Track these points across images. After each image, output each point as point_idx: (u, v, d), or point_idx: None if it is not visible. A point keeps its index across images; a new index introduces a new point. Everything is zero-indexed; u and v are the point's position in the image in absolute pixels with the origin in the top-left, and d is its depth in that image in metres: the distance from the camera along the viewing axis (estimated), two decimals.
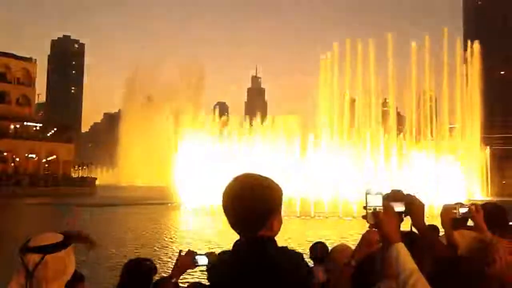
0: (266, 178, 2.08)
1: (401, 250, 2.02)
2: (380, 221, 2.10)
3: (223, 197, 2.05)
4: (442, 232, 4.48)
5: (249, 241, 2.01)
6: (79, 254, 2.64)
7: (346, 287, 3.13)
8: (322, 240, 6.03)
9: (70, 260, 2.53)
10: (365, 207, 2.13)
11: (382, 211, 2.11)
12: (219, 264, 2.10)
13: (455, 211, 4.66)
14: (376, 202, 2.13)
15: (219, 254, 2.18)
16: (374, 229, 2.54)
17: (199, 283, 3.76)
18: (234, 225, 2.04)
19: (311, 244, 5.76)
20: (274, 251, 1.99)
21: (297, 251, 2.07)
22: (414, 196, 2.27)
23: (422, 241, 2.18)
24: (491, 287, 2.16)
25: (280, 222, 2.08)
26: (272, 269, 1.91)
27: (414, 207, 2.23)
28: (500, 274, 2.22)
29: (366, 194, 2.14)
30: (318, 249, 5.44)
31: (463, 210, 3.78)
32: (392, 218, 2.11)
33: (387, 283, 2.14)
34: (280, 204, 2.07)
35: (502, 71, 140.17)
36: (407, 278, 1.94)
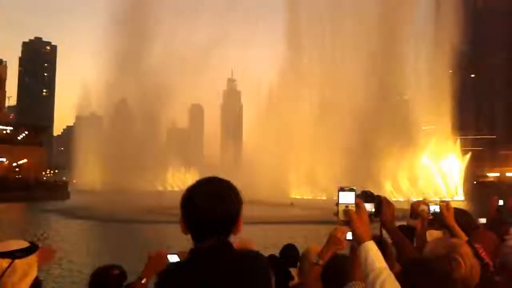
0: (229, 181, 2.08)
1: (371, 249, 2.00)
2: (351, 218, 2.07)
3: (195, 198, 1.97)
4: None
5: (221, 245, 1.95)
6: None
7: (316, 286, 3.11)
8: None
9: (34, 266, 2.57)
10: (336, 204, 2.11)
11: (353, 208, 2.09)
12: (177, 276, 1.95)
13: (426, 211, 4.69)
14: (348, 200, 2.10)
15: (171, 264, 2.13)
16: (343, 227, 2.53)
17: None
18: (208, 226, 1.95)
19: (282, 246, 5.73)
20: (245, 259, 1.98)
21: (256, 252, 2.07)
22: (384, 197, 2.26)
23: (391, 244, 2.16)
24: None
25: (241, 226, 2.06)
26: (249, 275, 1.91)
27: (384, 208, 2.22)
28: (464, 277, 2.22)
29: (339, 191, 2.12)
30: (289, 250, 5.43)
31: (434, 208, 3.79)
32: (363, 216, 2.09)
33: (357, 284, 2.11)
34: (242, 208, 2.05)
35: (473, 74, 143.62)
36: (376, 277, 1.92)
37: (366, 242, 2.03)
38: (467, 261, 2.36)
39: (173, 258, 3.24)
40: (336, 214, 2.12)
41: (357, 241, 2.06)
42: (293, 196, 67.32)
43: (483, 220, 5.16)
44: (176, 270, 2.00)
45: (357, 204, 2.10)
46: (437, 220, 3.75)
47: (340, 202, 2.11)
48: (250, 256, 2.01)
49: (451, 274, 2.16)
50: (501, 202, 5.63)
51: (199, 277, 1.87)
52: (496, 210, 5.49)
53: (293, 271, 4.51)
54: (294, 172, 73.45)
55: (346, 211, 2.09)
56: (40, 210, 46.69)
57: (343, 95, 70.49)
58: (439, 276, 2.13)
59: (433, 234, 4.00)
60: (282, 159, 70.94)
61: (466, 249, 2.43)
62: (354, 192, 2.11)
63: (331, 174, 62.67)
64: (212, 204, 1.96)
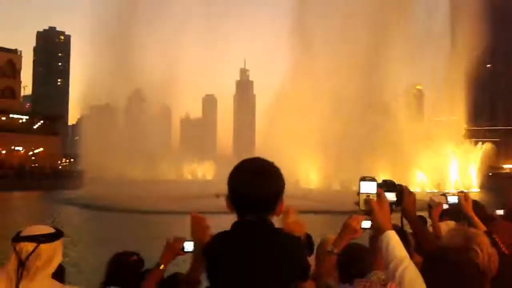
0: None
1: (392, 238, 2.01)
2: (372, 208, 2.07)
3: (239, 177, 2.06)
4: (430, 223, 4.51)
5: (261, 221, 2.03)
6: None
7: (331, 275, 3.11)
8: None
9: (59, 252, 2.63)
10: (358, 193, 2.11)
11: (375, 198, 2.09)
12: (219, 243, 2.09)
13: (443, 202, 4.69)
14: (370, 189, 2.10)
15: (217, 234, 2.15)
16: (358, 215, 2.54)
17: (180, 274, 3.70)
18: (247, 202, 2.04)
19: None
20: (280, 235, 2.07)
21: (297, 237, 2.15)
22: (405, 186, 2.26)
23: (410, 234, 2.16)
24: (476, 279, 2.15)
25: (282, 207, 2.12)
26: (279, 252, 1.98)
27: (405, 197, 2.21)
28: (482, 267, 2.21)
29: (360, 180, 2.12)
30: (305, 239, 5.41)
31: (452, 199, 3.77)
32: (384, 206, 2.09)
33: (377, 273, 2.11)
34: (284, 190, 2.11)
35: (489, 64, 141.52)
36: (396, 265, 1.94)
37: (387, 231, 2.03)
38: (485, 250, 2.35)
39: (190, 246, 3.26)
40: (357, 203, 2.12)
41: (378, 231, 2.06)
42: (305, 186, 67.28)
43: (500, 212, 5.11)
44: (217, 242, 2.10)
45: (378, 194, 2.11)
46: (456, 211, 3.74)
47: (361, 191, 2.11)
48: (286, 237, 2.07)
49: (469, 264, 2.16)
50: None
51: (237, 249, 2.00)
52: None
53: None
54: (307, 162, 73.33)
55: (367, 201, 2.10)
56: (55, 200, 47.03)
57: (355, 87, 70.01)
58: (457, 266, 2.13)
59: (449, 225, 4.00)
60: (295, 150, 70.81)
61: (484, 239, 2.43)
62: (375, 182, 2.12)
63: (345, 165, 62.47)
64: (253, 181, 2.02)
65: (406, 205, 2.22)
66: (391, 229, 2.05)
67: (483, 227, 3.54)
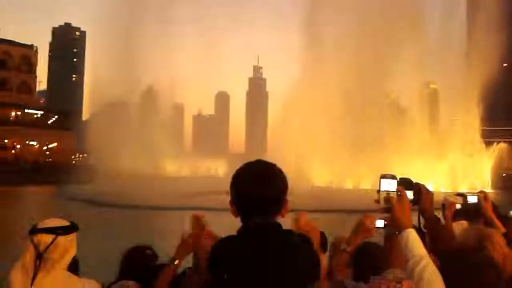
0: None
1: (412, 236, 2.00)
2: (393, 205, 2.06)
3: (244, 179, 2.06)
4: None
5: (271, 224, 2.02)
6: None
7: (344, 272, 3.11)
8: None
9: (74, 245, 2.70)
10: (378, 191, 2.11)
11: (395, 196, 2.08)
12: (228, 248, 2.05)
13: (458, 202, 4.66)
14: (390, 187, 2.10)
15: (223, 239, 2.12)
16: (372, 214, 2.53)
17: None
18: (255, 206, 2.02)
19: None
20: (292, 236, 2.04)
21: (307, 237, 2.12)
22: (423, 185, 2.24)
23: (429, 232, 2.14)
24: (493, 280, 2.13)
25: (287, 208, 2.10)
26: (292, 254, 1.96)
27: (423, 196, 2.20)
28: (497, 265, 2.20)
29: (380, 178, 2.12)
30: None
31: (472, 198, 3.74)
32: (405, 204, 2.08)
33: (393, 271, 2.10)
34: (287, 191, 2.10)
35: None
36: (415, 263, 1.93)
37: (407, 229, 2.02)
38: (499, 250, 2.34)
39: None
40: (377, 201, 2.11)
41: (398, 228, 2.05)
42: (317, 184, 67.11)
43: None
44: (225, 247, 2.06)
45: (399, 192, 2.09)
46: (473, 211, 3.71)
47: (381, 189, 2.11)
48: (298, 238, 2.06)
49: (484, 264, 2.15)
50: None
51: (246, 254, 1.96)
52: None
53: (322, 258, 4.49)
54: (319, 160, 73.15)
55: (388, 198, 2.09)
56: (69, 196, 46.97)
57: (368, 85, 69.75)
58: (472, 265, 2.11)
59: (462, 225, 3.97)
60: (307, 148, 70.71)
61: (498, 239, 2.42)
62: (396, 180, 2.12)
63: (358, 163, 62.33)
64: (258, 182, 2.03)
65: (424, 204, 2.20)
66: (411, 227, 2.04)
67: (502, 228, 3.52)
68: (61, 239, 2.59)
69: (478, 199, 3.66)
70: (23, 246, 2.64)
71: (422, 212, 2.32)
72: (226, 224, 2.24)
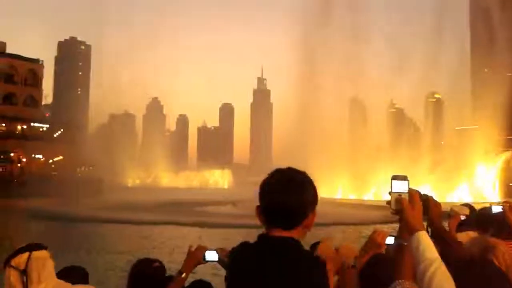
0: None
1: (423, 239, 1.95)
2: (404, 207, 2.02)
3: (269, 185, 2.02)
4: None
5: (282, 238, 1.97)
6: None
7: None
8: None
9: (49, 257, 2.92)
10: (389, 192, 2.05)
11: (406, 197, 2.04)
12: (243, 252, 2.05)
13: (464, 212, 4.68)
14: (401, 188, 2.04)
15: (239, 245, 2.10)
16: (383, 230, 2.51)
17: (201, 281, 3.74)
18: (276, 214, 1.99)
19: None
20: (305, 254, 1.98)
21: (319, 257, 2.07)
22: (431, 196, 2.23)
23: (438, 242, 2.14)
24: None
25: (313, 222, 2.05)
26: (301, 271, 1.90)
27: (431, 206, 2.19)
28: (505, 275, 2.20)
29: (392, 179, 2.06)
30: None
31: (496, 208, 3.72)
32: (416, 206, 2.03)
33: (402, 283, 2.09)
34: (317, 202, 2.05)
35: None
36: (426, 267, 1.88)
37: (418, 232, 1.97)
38: (503, 261, 2.34)
39: (211, 255, 3.29)
40: (389, 202, 2.07)
41: (409, 231, 2.00)
42: (323, 196, 66.97)
43: None
44: (242, 251, 2.06)
45: (410, 193, 2.05)
46: (500, 220, 3.69)
47: (392, 190, 2.04)
48: (309, 258, 1.99)
49: (493, 274, 2.14)
50: None
51: (257, 262, 1.93)
52: None
53: None
54: (325, 171, 73.05)
55: (399, 200, 2.03)
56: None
57: (373, 92, 70.03)
58: (482, 275, 2.11)
59: (469, 235, 3.97)
60: (312, 159, 70.63)
61: (503, 249, 2.41)
62: (407, 181, 2.04)
63: (363, 173, 62.28)
64: (281, 189, 1.99)
65: (432, 214, 2.20)
66: (423, 230, 2.00)
67: None
68: (36, 253, 2.80)
69: (503, 208, 3.63)
70: (4, 278, 2.78)
71: (429, 223, 2.32)
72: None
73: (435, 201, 2.28)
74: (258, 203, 2.06)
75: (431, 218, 2.26)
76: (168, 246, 21.49)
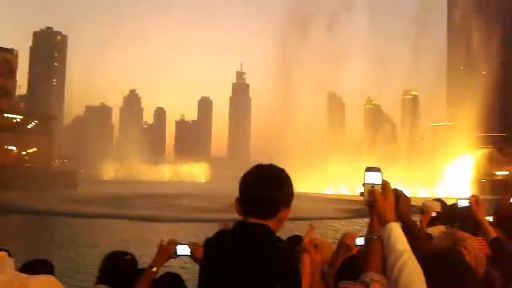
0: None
1: (394, 230, 1.97)
2: (376, 199, 2.05)
3: (247, 179, 2.13)
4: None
5: (257, 225, 2.06)
6: None
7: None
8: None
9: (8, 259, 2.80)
10: (363, 184, 2.08)
11: (379, 189, 2.06)
12: (218, 239, 2.17)
13: (436, 207, 4.75)
14: (375, 180, 2.07)
15: (216, 232, 2.21)
16: (352, 232, 2.54)
17: (172, 273, 3.72)
18: (250, 207, 2.09)
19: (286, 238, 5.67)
20: (277, 240, 2.07)
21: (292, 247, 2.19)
22: (400, 190, 2.25)
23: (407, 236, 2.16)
24: (470, 280, 2.17)
25: (286, 216, 2.12)
26: (271, 258, 1.98)
27: (400, 201, 2.21)
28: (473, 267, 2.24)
29: (365, 171, 2.08)
30: (293, 241, 5.33)
31: (463, 203, 3.77)
32: (389, 197, 2.06)
33: (370, 275, 2.11)
34: (292, 198, 2.14)
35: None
36: (397, 258, 1.90)
37: (389, 223, 1.99)
38: (472, 253, 2.39)
39: (183, 249, 3.27)
40: (362, 194, 2.09)
41: (381, 222, 2.03)
42: (299, 190, 67.35)
43: (489, 218, 5.16)
44: (216, 239, 2.18)
45: (383, 185, 2.07)
46: (466, 215, 3.74)
47: (366, 182, 2.07)
48: (280, 246, 2.06)
49: (460, 266, 2.18)
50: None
51: (232, 248, 2.05)
52: (508, 208, 5.43)
53: None
54: (301, 165, 73.48)
55: (372, 191, 2.06)
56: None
57: (350, 89, 70.77)
58: (450, 268, 2.14)
59: (440, 229, 4.03)
60: (289, 153, 70.97)
61: (471, 242, 2.46)
62: (380, 173, 2.07)
63: (339, 168, 62.83)
64: (257, 183, 2.10)
65: (401, 209, 2.22)
66: (394, 221, 2.01)
67: (493, 232, 3.55)
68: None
69: (470, 202, 3.68)
70: None
71: (399, 217, 2.35)
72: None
73: (405, 196, 2.30)
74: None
75: (400, 213, 2.28)
76: (143, 240, 21.28)
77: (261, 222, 2.07)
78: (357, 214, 33.77)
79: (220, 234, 2.19)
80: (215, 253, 2.11)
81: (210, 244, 2.18)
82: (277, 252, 2.01)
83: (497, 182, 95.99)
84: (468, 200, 3.70)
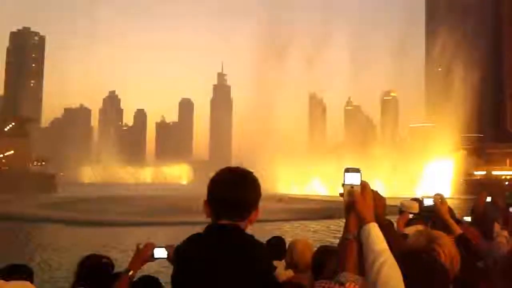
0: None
1: (373, 230, 1.98)
2: (355, 199, 2.06)
3: (218, 182, 2.14)
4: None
5: (230, 226, 2.08)
6: None
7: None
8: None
9: None
10: (343, 184, 2.08)
11: (359, 189, 2.07)
12: (190, 244, 2.12)
13: (413, 207, 4.79)
14: (354, 180, 2.08)
15: (191, 236, 2.16)
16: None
17: (148, 276, 3.68)
18: (222, 209, 2.10)
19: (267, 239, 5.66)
20: (250, 239, 2.08)
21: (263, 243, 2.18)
22: (375, 190, 2.27)
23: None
24: (442, 280, 2.19)
25: (256, 217, 2.15)
26: (246, 256, 2.02)
27: (375, 201, 2.23)
28: (444, 265, 2.26)
29: (344, 171, 2.10)
30: (275, 242, 5.32)
31: (428, 201, 3.81)
32: (367, 197, 2.08)
33: (345, 275, 2.12)
34: (259, 199, 2.17)
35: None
36: (375, 258, 1.90)
37: (368, 224, 2.00)
38: (447, 252, 2.41)
39: (160, 252, 3.24)
40: (342, 194, 2.10)
41: (360, 222, 2.04)
42: (281, 191, 67.58)
43: (468, 219, 5.23)
44: (189, 243, 2.13)
45: (362, 186, 2.09)
46: (431, 213, 3.78)
47: (345, 182, 2.08)
48: (253, 244, 2.09)
49: (434, 264, 2.20)
50: (488, 199, 5.65)
51: (206, 251, 2.04)
52: (483, 207, 5.52)
53: (279, 264, 4.47)
54: (283, 167, 73.71)
55: (351, 192, 2.07)
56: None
57: (332, 92, 71.40)
58: (422, 267, 2.16)
59: (418, 229, 4.07)
60: (271, 155, 71.12)
61: (446, 241, 2.49)
62: (359, 173, 2.09)
63: (321, 171, 63.19)
64: (230, 186, 2.12)
65: (376, 209, 2.24)
66: (373, 221, 2.02)
67: (458, 230, 3.60)
68: None
69: (434, 201, 3.73)
70: None
71: (375, 217, 2.36)
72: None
73: (379, 195, 2.32)
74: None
75: (376, 213, 2.30)
76: (120, 244, 20.99)
77: (235, 224, 2.08)
78: (328, 214, 34.00)
79: (193, 238, 2.14)
80: (191, 259, 2.07)
81: (184, 249, 2.14)
82: (257, 254, 2.05)
83: (476, 182, 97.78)
84: (433, 199, 3.75)
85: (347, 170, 2.10)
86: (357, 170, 2.09)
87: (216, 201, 2.12)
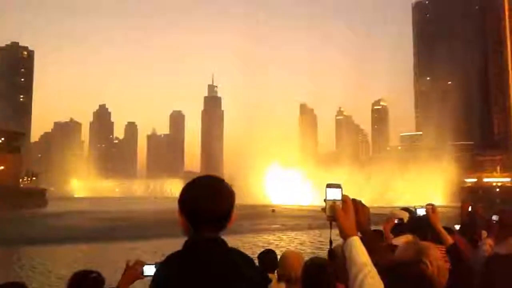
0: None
1: (355, 244, 2.01)
2: (337, 214, 2.09)
3: (196, 193, 2.07)
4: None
5: (218, 240, 2.03)
6: None
7: None
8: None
9: None
10: (324, 200, 2.13)
11: (341, 205, 2.11)
12: (171, 265, 2.01)
13: (403, 216, 4.82)
14: (335, 196, 2.12)
15: (169, 256, 2.04)
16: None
17: None
18: (208, 220, 2.03)
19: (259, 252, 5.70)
20: (236, 253, 2.05)
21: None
22: (359, 200, 2.30)
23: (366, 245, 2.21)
24: None
25: (232, 223, 2.14)
26: (235, 269, 1.96)
27: (358, 211, 2.25)
28: (432, 278, 2.28)
29: (326, 187, 2.13)
30: (267, 255, 5.37)
31: (420, 211, 3.84)
32: (349, 212, 2.11)
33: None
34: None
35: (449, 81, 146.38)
36: (358, 271, 1.94)
37: (350, 238, 2.04)
38: (435, 263, 2.44)
39: (150, 269, 3.21)
40: (324, 209, 2.14)
41: (342, 237, 2.07)
42: (275, 203, 67.48)
43: (457, 227, 5.28)
44: (173, 260, 2.02)
45: (344, 200, 2.12)
46: (423, 223, 3.81)
47: (327, 198, 2.12)
48: (240, 256, 2.05)
49: (421, 277, 2.22)
50: (469, 208, 5.68)
51: (193, 267, 1.94)
52: (468, 215, 5.57)
53: (272, 277, 4.50)
54: (274, 178, 73.63)
55: (333, 207, 2.11)
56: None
57: (322, 100, 71.75)
58: (409, 279, 2.18)
59: (408, 239, 4.09)
60: (264, 166, 71.12)
61: (434, 252, 2.51)
62: (340, 189, 2.13)
63: (315, 182, 63.24)
64: (212, 198, 2.05)
65: (359, 218, 2.27)
66: (355, 235, 2.05)
67: (450, 240, 3.63)
68: None
69: (426, 211, 3.76)
70: None
71: (358, 227, 2.39)
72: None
73: (363, 205, 2.34)
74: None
75: (359, 222, 2.32)
76: (111, 262, 20.56)
77: (215, 235, 2.04)
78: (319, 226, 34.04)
79: (179, 257, 2.01)
80: (185, 282, 1.93)
81: (173, 271, 1.97)
82: (244, 265, 2.02)
83: (467, 189, 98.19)
84: (425, 209, 3.79)
85: (329, 186, 2.15)
86: (338, 186, 2.14)
87: (196, 212, 2.04)
